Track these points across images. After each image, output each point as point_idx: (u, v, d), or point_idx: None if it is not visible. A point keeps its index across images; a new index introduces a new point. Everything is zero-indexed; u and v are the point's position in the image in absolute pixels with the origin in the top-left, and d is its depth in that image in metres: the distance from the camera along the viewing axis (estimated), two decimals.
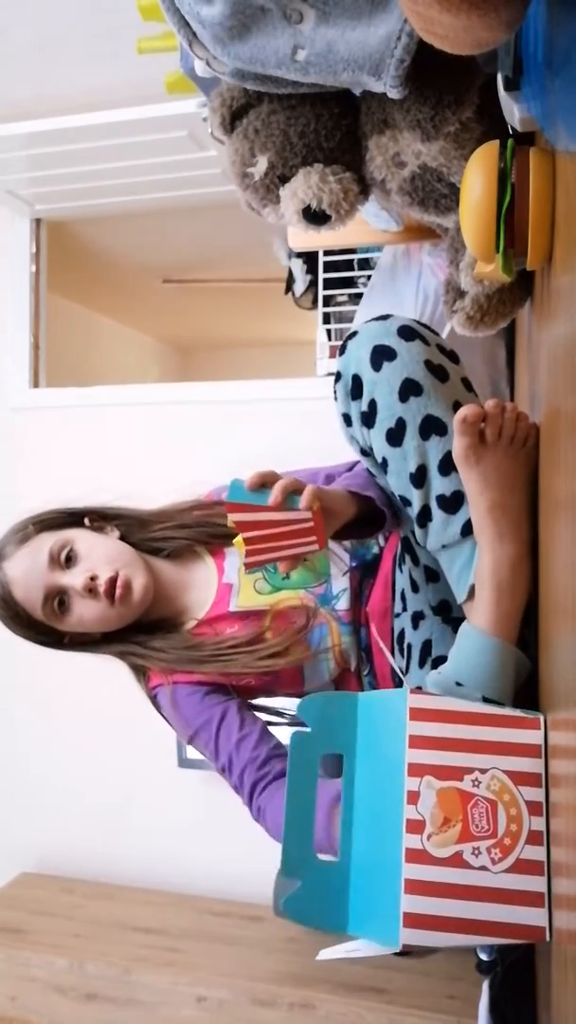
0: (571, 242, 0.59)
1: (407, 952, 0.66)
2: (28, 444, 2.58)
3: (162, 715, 1.13)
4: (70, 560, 1.08)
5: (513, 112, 0.79)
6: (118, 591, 1.06)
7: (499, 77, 0.80)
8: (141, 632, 1.13)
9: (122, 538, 1.15)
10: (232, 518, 0.92)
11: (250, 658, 1.05)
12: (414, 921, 0.65)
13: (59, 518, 1.14)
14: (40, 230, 2.69)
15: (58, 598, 1.08)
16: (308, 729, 0.76)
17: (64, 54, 2.05)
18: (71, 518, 1.15)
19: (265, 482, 0.92)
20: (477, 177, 0.76)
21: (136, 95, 2.05)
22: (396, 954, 0.67)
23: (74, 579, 1.07)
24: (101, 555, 1.09)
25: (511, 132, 0.84)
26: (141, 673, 1.14)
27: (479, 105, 0.85)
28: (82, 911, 2.19)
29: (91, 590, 1.06)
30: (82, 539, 1.11)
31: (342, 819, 0.75)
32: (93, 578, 1.06)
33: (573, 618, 0.50)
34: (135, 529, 1.17)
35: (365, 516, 1.00)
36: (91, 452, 2.50)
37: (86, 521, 1.15)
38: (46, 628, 1.10)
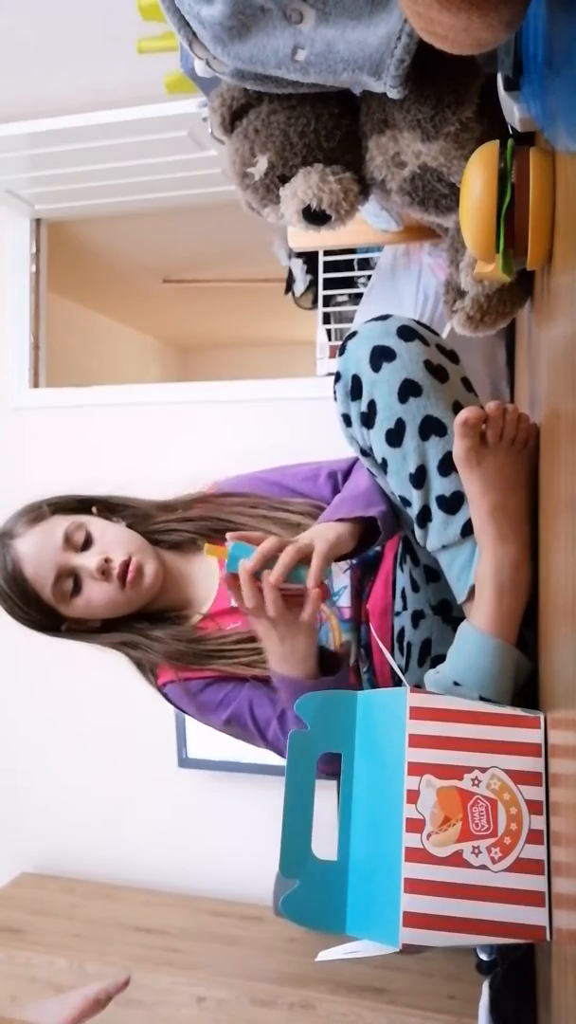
0: (571, 242, 0.59)
1: (403, 950, 0.66)
2: (28, 444, 2.58)
3: (177, 708, 1.13)
4: (85, 544, 1.09)
5: (513, 112, 0.79)
6: (130, 574, 1.07)
7: (499, 77, 0.80)
8: (143, 621, 1.13)
9: (128, 527, 1.16)
10: (231, 590, 0.90)
11: (257, 656, 1.04)
12: (414, 920, 0.65)
13: (70, 503, 1.15)
14: (40, 230, 2.70)
15: (70, 579, 1.08)
16: (307, 728, 0.76)
17: (64, 54, 2.05)
18: (81, 505, 1.16)
19: (269, 557, 0.88)
20: (477, 177, 0.76)
21: (136, 95, 2.05)
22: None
23: (88, 561, 1.07)
24: (114, 539, 1.10)
25: (511, 132, 0.84)
26: (148, 670, 1.14)
27: (479, 105, 0.85)
28: (82, 911, 2.19)
29: (104, 572, 1.07)
30: (95, 523, 1.12)
31: (341, 819, 0.75)
32: (107, 560, 1.07)
33: (573, 618, 0.50)
34: (140, 521, 1.18)
35: (365, 534, 1.00)
36: (91, 452, 2.50)
37: (94, 510, 1.16)
38: (48, 610, 1.10)
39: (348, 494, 1.04)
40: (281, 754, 1.05)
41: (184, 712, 1.14)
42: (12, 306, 2.66)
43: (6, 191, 2.49)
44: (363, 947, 0.69)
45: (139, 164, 2.30)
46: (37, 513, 1.12)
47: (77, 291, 3.59)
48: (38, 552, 1.08)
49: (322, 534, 0.93)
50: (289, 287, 2.58)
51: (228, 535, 0.90)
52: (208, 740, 2.27)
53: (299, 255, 2.48)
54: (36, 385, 2.66)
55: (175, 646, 1.09)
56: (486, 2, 0.53)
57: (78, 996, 0.89)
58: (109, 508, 1.18)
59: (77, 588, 1.08)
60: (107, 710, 2.38)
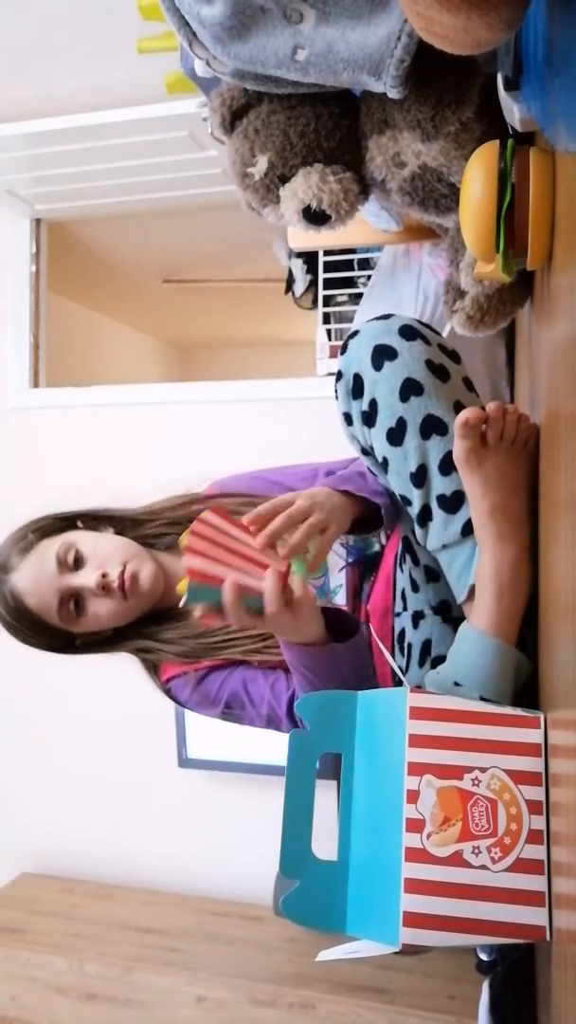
0: (571, 242, 0.59)
1: (403, 950, 0.66)
2: (28, 444, 2.58)
3: (181, 704, 1.14)
4: (78, 562, 1.09)
5: (513, 112, 0.79)
6: (128, 584, 1.07)
7: (499, 77, 0.80)
8: (151, 624, 1.14)
9: (118, 534, 1.16)
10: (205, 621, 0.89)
11: (263, 641, 1.05)
12: (414, 920, 0.65)
13: (53, 524, 1.15)
14: (40, 230, 2.70)
15: (73, 600, 1.08)
16: (307, 728, 0.76)
17: (64, 54, 2.05)
18: (64, 523, 1.15)
19: (268, 521, 0.90)
20: (477, 177, 0.76)
21: (136, 95, 2.05)
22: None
23: (86, 579, 1.07)
24: (106, 552, 1.10)
25: (511, 132, 0.84)
26: (153, 668, 1.15)
27: (479, 105, 0.85)
28: (82, 911, 2.19)
29: (105, 587, 1.07)
30: (83, 539, 1.11)
31: (341, 819, 0.75)
32: (105, 575, 1.07)
33: (573, 618, 0.50)
34: (128, 527, 1.17)
35: (363, 518, 1.00)
36: (91, 452, 2.50)
37: (79, 524, 1.15)
38: (60, 632, 1.11)
39: (354, 472, 1.04)
40: (279, 728, 1.06)
41: (186, 707, 1.14)
42: (12, 306, 2.66)
43: (6, 191, 2.49)
44: (363, 947, 0.69)
45: (139, 164, 2.30)
46: (24, 543, 1.11)
47: (77, 291, 3.59)
48: (36, 582, 1.08)
49: (331, 507, 0.94)
50: (289, 287, 2.58)
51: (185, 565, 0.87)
52: (208, 740, 2.26)
53: (299, 255, 2.48)
54: (36, 385, 2.66)
55: (187, 645, 1.10)
56: (486, 2, 0.53)
57: None
58: (95, 519, 1.17)
59: (83, 607, 1.09)
60: (107, 710, 2.38)
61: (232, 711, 1.08)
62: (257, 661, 1.08)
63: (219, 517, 0.89)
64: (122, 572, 1.07)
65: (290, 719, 1.05)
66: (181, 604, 0.86)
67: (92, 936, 2.05)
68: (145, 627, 1.13)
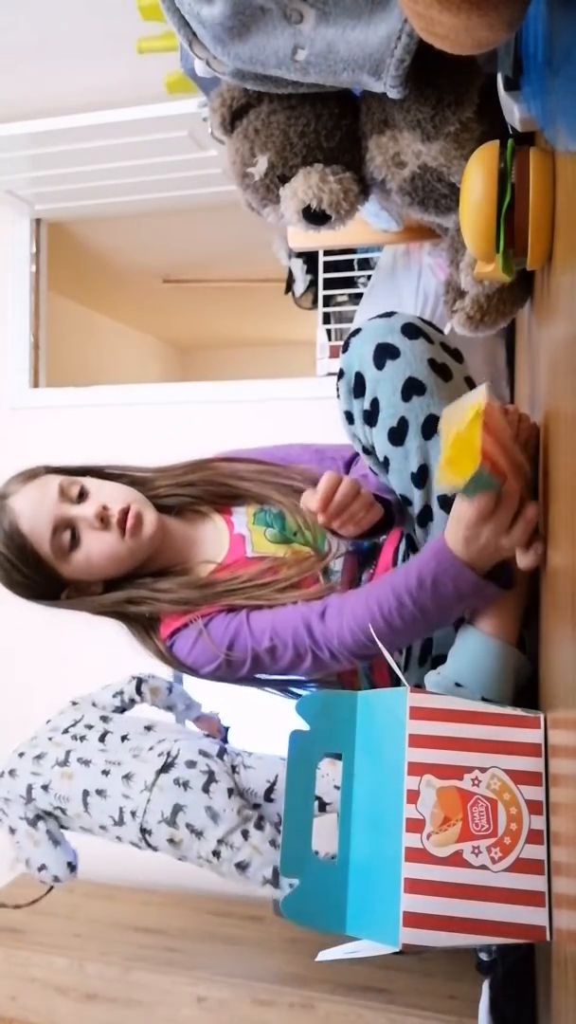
0: (571, 242, 0.59)
1: (403, 950, 0.66)
2: (28, 444, 2.58)
3: (179, 664, 1.06)
4: (81, 496, 1.08)
5: (513, 112, 0.79)
6: (130, 521, 1.05)
7: (499, 77, 0.80)
8: (146, 577, 1.11)
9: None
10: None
11: (268, 591, 1.02)
12: (414, 921, 0.65)
13: (65, 468, 1.15)
14: (40, 230, 2.70)
15: (68, 531, 1.06)
16: (307, 728, 0.76)
17: (64, 54, 2.05)
18: (76, 470, 1.16)
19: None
20: (477, 177, 0.76)
21: (136, 95, 2.06)
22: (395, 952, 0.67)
23: (85, 510, 1.06)
24: (111, 492, 1.09)
25: (511, 132, 0.84)
26: (150, 628, 1.09)
27: (479, 105, 0.85)
28: (82, 911, 2.19)
29: (103, 519, 1.05)
30: (91, 480, 1.11)
31: (341, 819, 0.74)
32: (105, 508, 1.05)
33: (573, 618, 0.50)
34: (137, 485, 1.16)
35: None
36: (91, 452, 2.50)
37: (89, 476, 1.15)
38: (48, 571, 1.07)
39: (359, 475, 1.04)
40: (296, 651, 0.98)
41: (184, 664, 1.06)
42: (12, 306, 2.66)
43: (6, 191, 2.49)
44: (363, 947, 0.69)
45: (139, 164, 2.30)
46: (31, 472, 1.12)
47: (77, 291, 3.59)
48: (34, 506, 1.06)
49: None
50: (289, 287, 2.59)
51: None
52: None
53: (299, 255, 2.48)
54: (36, 385, 2.66)
55: (184, 593, 1.06)
56: (486, 2, 0.53)
57: None
58: (103, 475, 1.16)
59: (76, 541, 1.06)
60: None
61: (234, 652, 1.01)
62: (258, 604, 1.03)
63: (498, 413, 0.75)
64: (124, 509, 1.05)
65: (294, 637, 0.97)
66: (460, 490, 0.75)
67: (92, 936, 2.05)
68: (140, 579, 1.10)
